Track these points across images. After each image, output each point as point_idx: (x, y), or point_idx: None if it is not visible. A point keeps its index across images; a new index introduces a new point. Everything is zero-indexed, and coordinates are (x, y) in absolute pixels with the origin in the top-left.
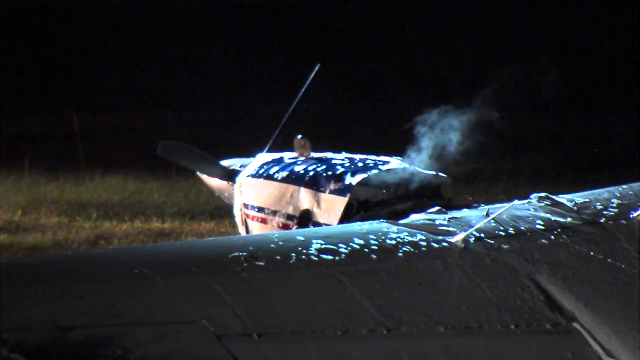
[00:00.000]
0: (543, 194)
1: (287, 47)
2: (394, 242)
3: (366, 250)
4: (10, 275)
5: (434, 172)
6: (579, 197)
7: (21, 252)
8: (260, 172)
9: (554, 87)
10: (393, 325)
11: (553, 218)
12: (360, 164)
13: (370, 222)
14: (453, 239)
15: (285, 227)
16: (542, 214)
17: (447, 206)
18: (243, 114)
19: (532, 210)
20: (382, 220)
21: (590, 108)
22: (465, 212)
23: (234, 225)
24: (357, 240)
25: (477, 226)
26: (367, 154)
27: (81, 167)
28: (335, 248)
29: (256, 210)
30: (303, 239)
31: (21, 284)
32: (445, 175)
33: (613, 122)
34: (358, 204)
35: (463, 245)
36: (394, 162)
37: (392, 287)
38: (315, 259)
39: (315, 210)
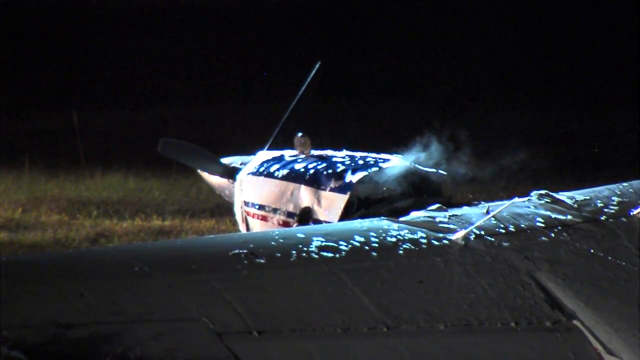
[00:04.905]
0: (543, 192)
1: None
2: (394, 239)
3: (366, 247)
4: (11, 273)
5: (434, 170)
6: (580, 195)
7: (21, 250)
8: (261, 169)
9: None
10: (393, 323)
11: (553, 216)
12: (360, 162)
13: (371, 219)
14: (453, 237)
15: (285, 224)
16: (543, 212)
17: (448, 204)
18: (243, 112)
19: (533, 207)
20: (382, 217)
21: (591, 106)
22: (465, 210)
23: (234, 223)
24: (357, 238)
25: (477, 224)
26: (368, 151)
27: (81, 165)
28: (336, 245)
29: (257, 207)
30: (303, 236)
31: (21, 282)
32: (445, 173)
33: (613, 119)
34: (358, 202)
35: (463, 242)
36: (395, 160)
37: (392, 284)
38: (316, 256)
39: (316, 207)
